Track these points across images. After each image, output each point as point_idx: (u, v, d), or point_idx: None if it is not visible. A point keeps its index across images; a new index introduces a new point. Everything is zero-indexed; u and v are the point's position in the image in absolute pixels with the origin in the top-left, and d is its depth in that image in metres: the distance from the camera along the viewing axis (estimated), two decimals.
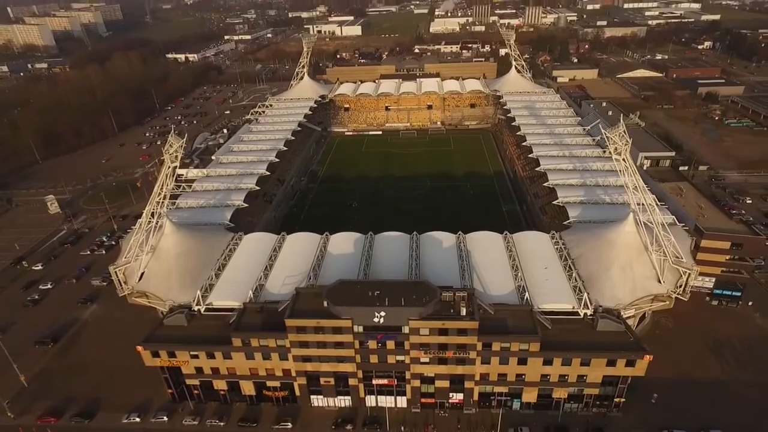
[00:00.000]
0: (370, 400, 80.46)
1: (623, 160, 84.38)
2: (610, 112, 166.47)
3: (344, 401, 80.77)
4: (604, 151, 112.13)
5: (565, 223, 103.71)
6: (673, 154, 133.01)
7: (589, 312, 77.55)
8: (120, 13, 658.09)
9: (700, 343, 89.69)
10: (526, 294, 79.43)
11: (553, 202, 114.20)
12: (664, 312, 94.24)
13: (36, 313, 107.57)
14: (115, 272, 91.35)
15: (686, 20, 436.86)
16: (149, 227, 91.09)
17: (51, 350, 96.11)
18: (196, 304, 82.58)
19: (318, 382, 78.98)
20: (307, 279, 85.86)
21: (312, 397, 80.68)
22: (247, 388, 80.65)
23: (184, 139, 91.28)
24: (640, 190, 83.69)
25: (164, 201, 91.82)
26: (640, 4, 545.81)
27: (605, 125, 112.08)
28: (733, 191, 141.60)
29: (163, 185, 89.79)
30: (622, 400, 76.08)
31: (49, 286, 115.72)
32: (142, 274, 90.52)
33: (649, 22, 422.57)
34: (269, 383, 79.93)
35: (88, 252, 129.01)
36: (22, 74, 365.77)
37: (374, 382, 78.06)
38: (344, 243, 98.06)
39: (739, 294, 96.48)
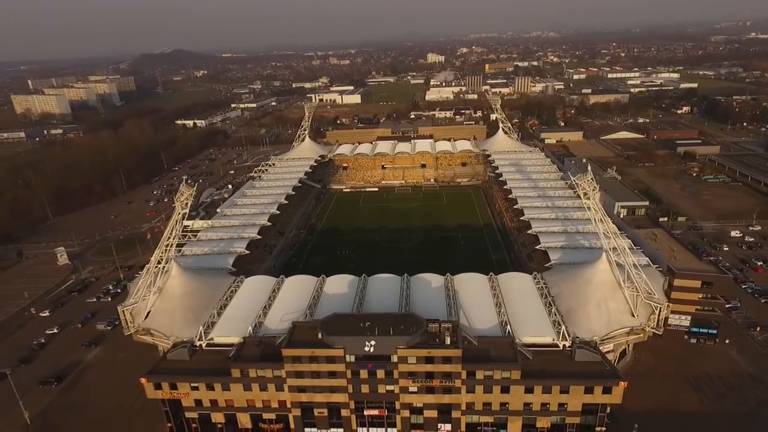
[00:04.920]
0: None
1: (593, 204, 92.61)
2: (589, 167, 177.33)
3: None
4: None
5: (546, 265, 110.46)
6: (646, 203, 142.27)
7: (567, 344, 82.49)
8: (133, 85, 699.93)
9: (679, 378, 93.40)
10: (509, 327, 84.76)
11: (536, 248, 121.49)
12: (645, 349, 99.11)
13: (42, 355, 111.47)
14: (123, 311, 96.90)
15: (666, 88, 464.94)
16: (157, 270, 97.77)
17: (54, 390, 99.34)
18: (199, 340, 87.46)
19: (312, 414, 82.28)
20: (303, 316, 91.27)
21: (306, 429, 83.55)
22: (244, 420, 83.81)
23: (194, 188, 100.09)
24: (609, 230, 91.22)
25: (172, 246, 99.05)
26: (623, 74, 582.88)
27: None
28: (710, 240, 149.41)
29: (172, 230, 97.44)
30: (603, 429, 79.17)
31: (55, 330, 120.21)
32: (148, 312, 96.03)
33: (631, 90, 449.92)
34: (265, 415, 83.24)
35: (95, 299, 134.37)
36: (38, 140, 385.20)
37: (366, 412, 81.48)
38: (339, 284, 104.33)
39: (715, 332, 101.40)
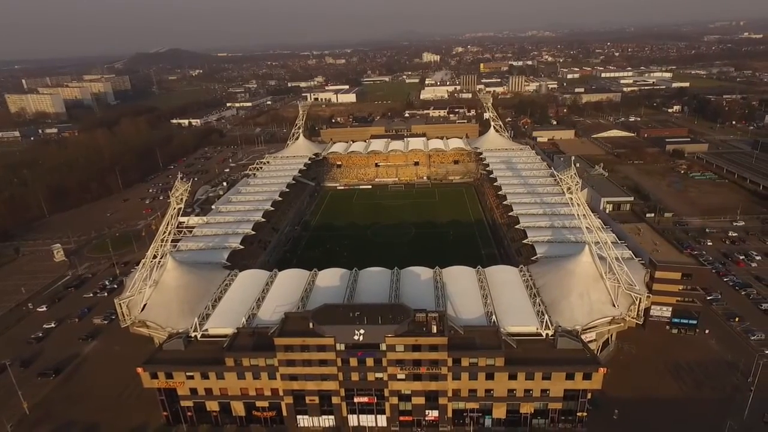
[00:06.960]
0: (353, 420, 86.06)
1: (575, 198, 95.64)
2: (577, 164, 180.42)
3: (328, 421, 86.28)
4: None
5: (532, 258, 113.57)
6: (631, 198, 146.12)
7: (550, 333, 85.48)
8: (128, 84, 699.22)
9: (660, 367, 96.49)
10: (494, 317, 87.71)
11: (524, 241, 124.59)
12: (627, 339, 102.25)
13: (39, 348, 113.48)
14: (120, 304, 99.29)
15: (658, 87, 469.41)
16: (153, 263, 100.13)
17: (53, 381, 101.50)
18: (194, 331, 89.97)
19: (304, 402, 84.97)
20: (296, 307, 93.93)
21: (298, 417, 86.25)
22: (238, 408, 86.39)
23: (189, 183, 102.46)
24: (592, 224, 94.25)
25: (168, 240, 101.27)
26: (616, 74, 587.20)
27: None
28: (695, 235, 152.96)
29: (168, 224, 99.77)
30: (585, 414, 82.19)
31: (52, 325, 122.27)
32: (145, 305, 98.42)
33: (624, 89, 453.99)
34: (258, 403, 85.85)
35: (91, 295, 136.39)
36: (32, 139, 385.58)
37: (356, 400, 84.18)
38: (331, 277, 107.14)
39: (695, 322, 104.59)
